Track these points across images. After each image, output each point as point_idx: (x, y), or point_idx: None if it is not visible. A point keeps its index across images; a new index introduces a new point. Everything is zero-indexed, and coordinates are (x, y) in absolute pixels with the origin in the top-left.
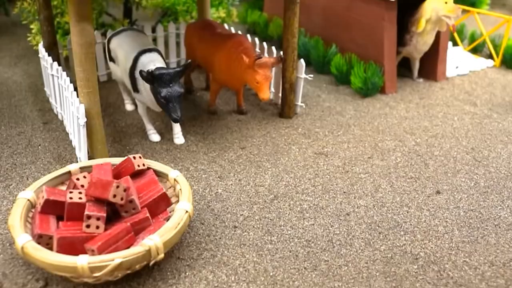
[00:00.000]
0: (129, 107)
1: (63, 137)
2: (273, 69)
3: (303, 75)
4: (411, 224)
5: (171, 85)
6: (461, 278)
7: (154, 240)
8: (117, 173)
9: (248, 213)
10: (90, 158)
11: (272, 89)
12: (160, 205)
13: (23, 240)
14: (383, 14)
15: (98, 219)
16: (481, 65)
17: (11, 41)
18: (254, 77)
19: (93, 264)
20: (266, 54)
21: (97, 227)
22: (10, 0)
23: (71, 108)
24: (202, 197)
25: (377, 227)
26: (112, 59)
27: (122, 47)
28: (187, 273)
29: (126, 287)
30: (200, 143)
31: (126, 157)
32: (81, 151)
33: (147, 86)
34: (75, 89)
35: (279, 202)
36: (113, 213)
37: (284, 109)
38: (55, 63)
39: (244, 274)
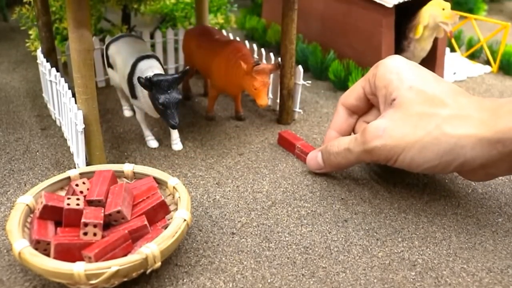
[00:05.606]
0: (127, 113)
1: (61, 143)
2: (271, 75)
3: (301, 81)
4: (408, 231)
5: (169, 91)
6: (458, 284)
7: (151, 248)
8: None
9: (246, 219)
10: (88, 164)
11: (270, 95)
12: (159, 213)
13: (21, 245)
14: (381, 20)
15: (95, 226)
16: (479, 71)
17: (10, 46)
18: (252, 83)
19: (90, 272)
20: (264, 61)
21: (94, 234)
22: (9, 6)
23: (69, 114)
24: (200, 203)
25: (375, 234)
26: (110, 65)
27: (121, 53)
28: (184, 280)
29: None
30: (198, 149)
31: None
32: (79, 157)
33: (145, 92)
34: (73, 95)
35: (277, 208)
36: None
37: (282, 115)
38: (53, 69)
39: (242, 281)
